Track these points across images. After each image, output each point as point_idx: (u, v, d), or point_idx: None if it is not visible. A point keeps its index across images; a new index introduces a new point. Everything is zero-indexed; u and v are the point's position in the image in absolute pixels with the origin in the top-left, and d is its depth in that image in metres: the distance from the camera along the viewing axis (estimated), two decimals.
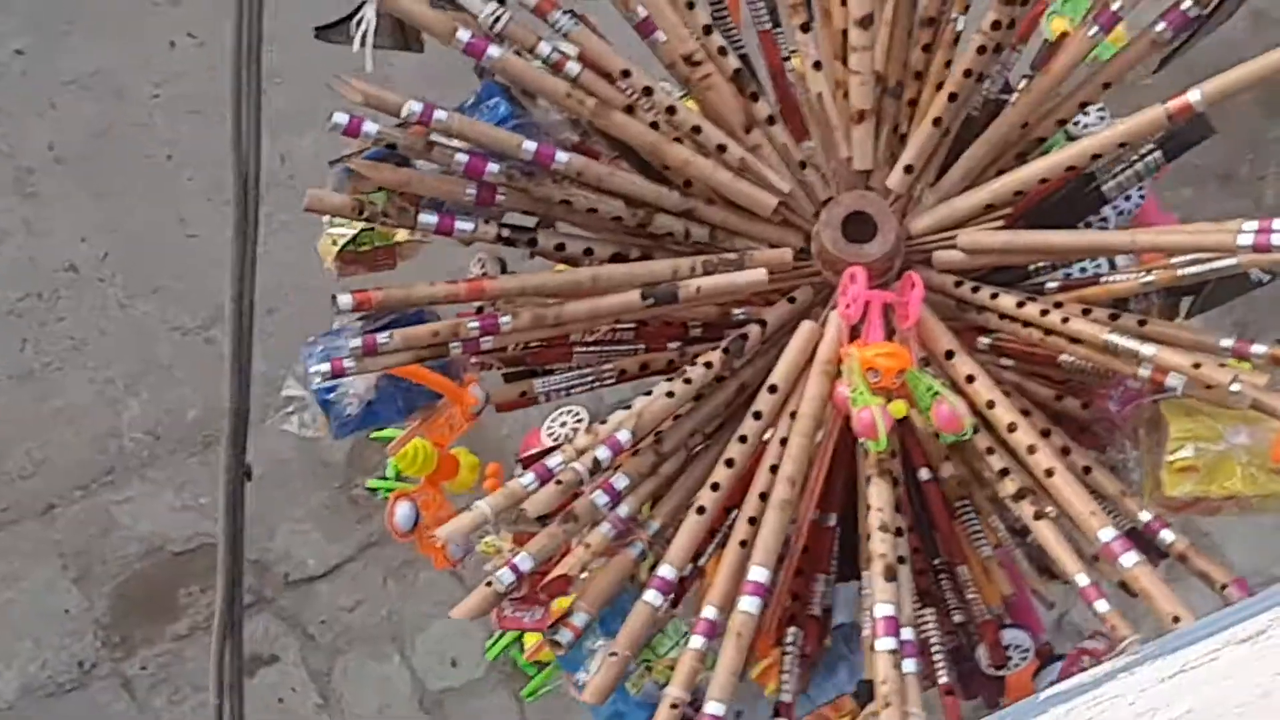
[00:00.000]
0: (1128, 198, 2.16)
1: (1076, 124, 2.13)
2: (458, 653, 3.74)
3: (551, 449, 1.99)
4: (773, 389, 1.98)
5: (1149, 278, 2.07)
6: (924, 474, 2.15)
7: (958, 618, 2.15)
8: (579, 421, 2.18)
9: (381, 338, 1.95)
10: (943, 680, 2.13)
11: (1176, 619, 1.81)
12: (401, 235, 2.09)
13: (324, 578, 3.82)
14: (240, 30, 1.90)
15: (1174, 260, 2.06)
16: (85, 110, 3.78)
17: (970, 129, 2.11)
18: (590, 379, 2.16)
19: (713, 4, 2.18)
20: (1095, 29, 1.97)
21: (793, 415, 1.97)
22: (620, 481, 1.97)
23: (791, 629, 2.14)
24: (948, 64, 2.07)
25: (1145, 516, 2.00)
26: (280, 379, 2.09)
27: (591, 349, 2.18)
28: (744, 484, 1.99)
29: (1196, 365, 1.86)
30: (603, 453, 1.91)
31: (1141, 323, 2.00)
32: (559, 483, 1.88)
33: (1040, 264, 2.12)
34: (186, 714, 3.77)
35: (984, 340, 2.10)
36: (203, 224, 3.95)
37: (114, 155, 4.02)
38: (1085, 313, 2.01)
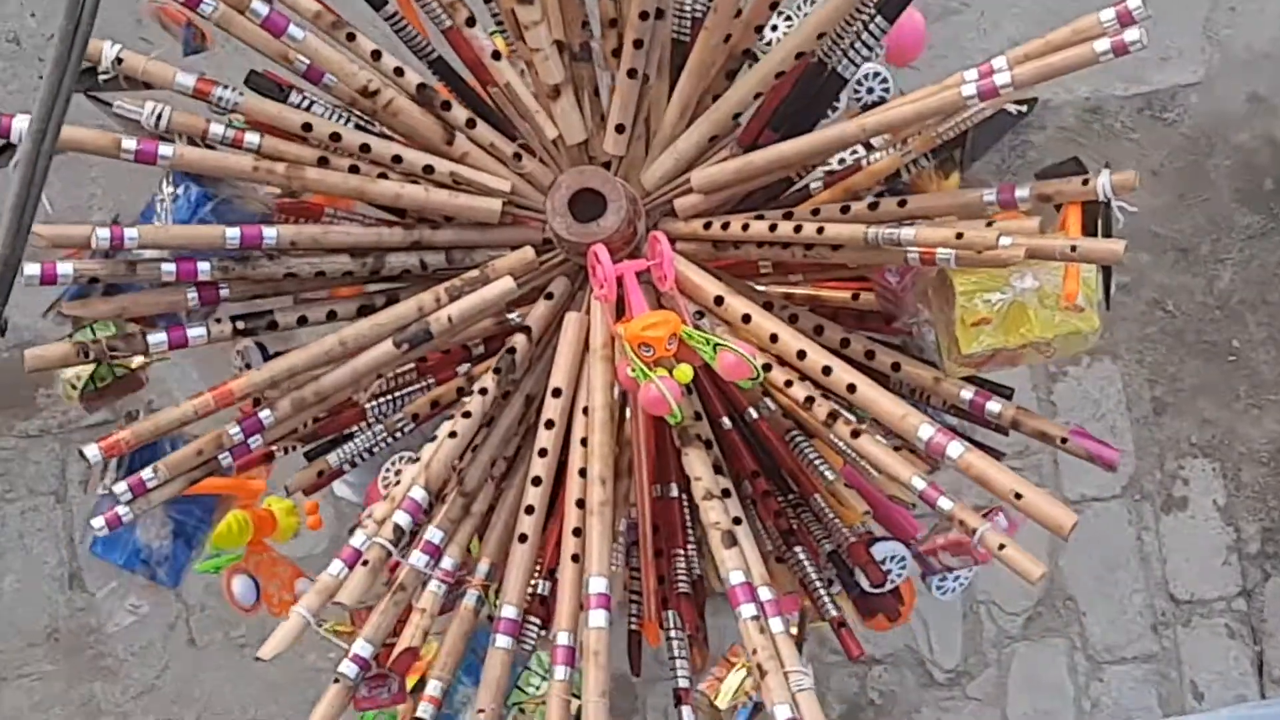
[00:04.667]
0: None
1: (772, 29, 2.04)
2: None
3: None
4: (557, 392, 1.89)
5: (907, 148, 1.98)
6: (751, 413, 2.08)
7: (828, 547, 2.07)
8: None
9: (146, 474, 1.86)
10: (831, 614, 2.05)
11: (1019, 495, 1.73)
12: (138, 360, 1.99)
13: None
14: None
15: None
16: None
17: (682, 54, 2.02)
18: (384, 435, 2.07)
19: (389, 19, 2.08)
20: None
21: (585, 412, 1.88)
22: (435, 535, 1.88)
23: (669, 613, 2.06)
24: None
25: (967, 395, 1.92)
26: None
27: (383, 399, 2.10)
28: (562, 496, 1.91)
29: (959, 235, 1.77)
30: (402, 518, 1.82)
31: (902, 203, 1.91)
32: (366, 563, 1.80)
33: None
34: (13, 514, 3.60)
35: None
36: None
37: None
38: (844, 210, 1.92)
